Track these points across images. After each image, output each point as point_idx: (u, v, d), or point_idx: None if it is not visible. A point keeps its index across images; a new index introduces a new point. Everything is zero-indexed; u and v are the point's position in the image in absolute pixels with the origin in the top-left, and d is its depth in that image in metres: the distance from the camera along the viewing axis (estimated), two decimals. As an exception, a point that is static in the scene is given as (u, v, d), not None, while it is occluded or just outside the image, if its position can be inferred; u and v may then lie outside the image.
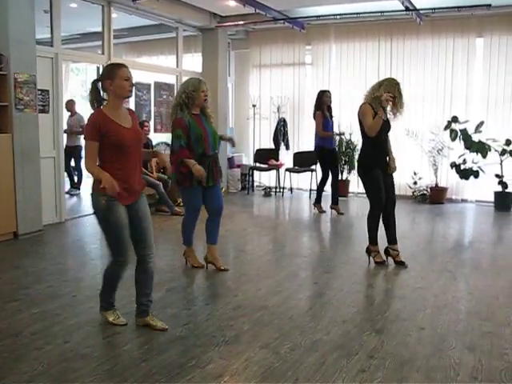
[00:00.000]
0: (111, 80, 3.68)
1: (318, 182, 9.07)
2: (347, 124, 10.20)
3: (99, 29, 8.85)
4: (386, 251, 5.78)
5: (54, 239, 7.05)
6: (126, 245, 3.82)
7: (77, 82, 14.75)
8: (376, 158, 5.70)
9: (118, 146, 3.66)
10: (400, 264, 5.65)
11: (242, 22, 10.48)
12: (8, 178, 6.61)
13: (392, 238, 5.76)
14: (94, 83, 3.80)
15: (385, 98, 5.36)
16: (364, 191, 5.87)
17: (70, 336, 3.78)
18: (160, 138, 10.08)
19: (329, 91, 8.84)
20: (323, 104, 8.59)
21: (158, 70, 10.25)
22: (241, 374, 3.21)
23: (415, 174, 10.04)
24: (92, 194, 3.77)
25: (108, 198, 3.63)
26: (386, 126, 5.64)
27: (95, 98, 3.78)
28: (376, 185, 5.62)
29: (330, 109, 8.75)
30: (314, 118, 8.65)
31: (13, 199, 6.69)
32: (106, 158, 3.68)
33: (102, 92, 3.80)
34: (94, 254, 6.32)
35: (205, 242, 5.60)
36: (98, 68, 8.79)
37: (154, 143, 9.18)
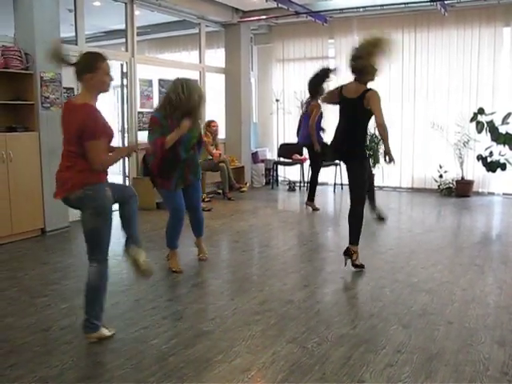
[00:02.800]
0: (92, 73, 3.44)
1: (310, 177, 8.84)
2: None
3: (122, 26, 8.91)
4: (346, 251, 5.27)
5: (80, 235, 7.04)
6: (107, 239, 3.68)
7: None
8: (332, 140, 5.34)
9: (109, 140, 3.59)
10: (355, 266, 5.24)
11: (264, 17, 10.46)
12: (35, 175, 6.70)
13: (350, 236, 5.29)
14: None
15: None
16: (350, 183, 5.23)
17: (99, 331, 3.82)
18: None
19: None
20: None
21: (181, 66, 10.27)
22: (268, 368, 3.22)
23: (441, 167, 9.93)
24: (90, 189, 3.49)
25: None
26: (348, 103, 5.13)
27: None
28: (367, 177, 5.28)
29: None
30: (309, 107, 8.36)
31: (40, 196, 6.78)
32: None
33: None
34: (119, 249, 6.35)
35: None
36: (122, 65, 8.84)
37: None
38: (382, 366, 3.24)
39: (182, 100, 4.82)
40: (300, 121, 9.06)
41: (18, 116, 6.71)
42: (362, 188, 5.13)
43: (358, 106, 4.98)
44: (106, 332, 3.68)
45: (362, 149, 5.26)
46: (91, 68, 3.44)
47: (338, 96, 5.16)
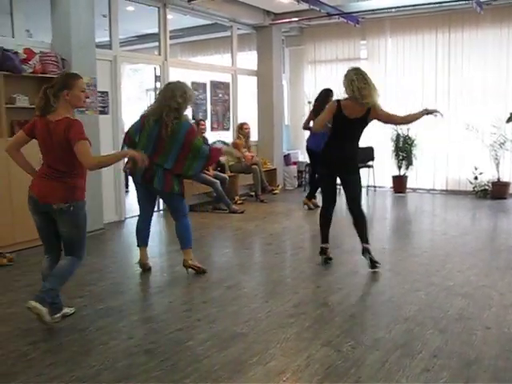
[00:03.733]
0: (68, 90, 3.77)
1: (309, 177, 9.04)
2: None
3: (155, 30, 9.00)
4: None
5: (115, 237, 7.23)
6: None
7: (132, 84, 15.04)
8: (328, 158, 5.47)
9: None
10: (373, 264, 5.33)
11: (296, 19, 10.45)
12: (71, 178, 6.80)
13: (360, 237, 5.49)
14: (47, 90, 3.80)
15: None
16: (357, 191, 5.46)
17: (134, 332, 3.87)
18: (216, 136, 10.18)
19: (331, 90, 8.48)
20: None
21: (213, 69, 10.34)
22: (303, 372, 3.21)
23: (476, 168, 9.77)
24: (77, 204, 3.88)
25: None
26: (352, 124, 5.26)
27: (45, 104, 3.79)
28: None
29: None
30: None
31: (76, 199, 6.87)
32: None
33: (51, 99, 3.78)
34: (153, 251, 6.41)
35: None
36: (155, 69, 8.93)
37: (209, 142, 9.24)
38: (419, 370, 3.20)
39: None
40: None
41: (54, 120, 6.83)
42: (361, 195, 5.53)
43: (363, 125, 5.22)
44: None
45: (357, 160, 5.50)
46: (67, 85, 3.78)
47: (338, 116, 5.15)
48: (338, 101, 5.23)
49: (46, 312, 3.73)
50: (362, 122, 5.21)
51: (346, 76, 5.18)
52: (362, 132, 5.32)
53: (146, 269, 5.35)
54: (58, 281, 3.90)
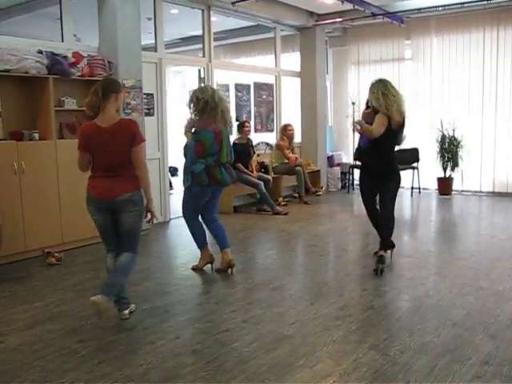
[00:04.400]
0: (117, 93, 4.07)
1: None
2: (450, 120, 9.96)
3: (199, 32, 9.08)
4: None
5: (160, 238, 7.31)
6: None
7: (176, 86, 15.17)
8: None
9: None
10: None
11: (339, 20, 10.37)
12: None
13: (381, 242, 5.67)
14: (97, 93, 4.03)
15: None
16: (394, 195, 5.61)
17: (180, 332, 3.90)
18: (261, 137, 10.21)
19: None
20: None
21: (256, 70, 10.36)
22: (350, 375, 3.18)
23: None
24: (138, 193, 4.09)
25: None
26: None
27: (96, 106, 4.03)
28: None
29: None
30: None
31: (122, 199, 6.99)
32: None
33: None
34: (198, 252, 6.46)
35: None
36: (199, 70, 9.00)
37: (254, 143, 9.27)
38: (469, 377, 3.13)
39: None
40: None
41: (101, 122, 6.96)
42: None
43: (400, 134, 5.50)
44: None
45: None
46: (116, 89, 4.07)
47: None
48: None
49: (112, 306, 3.98)
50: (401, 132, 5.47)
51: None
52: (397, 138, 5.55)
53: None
54: (123, 276, 4.11)
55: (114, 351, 3.57)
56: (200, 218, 5.43)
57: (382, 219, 5.53)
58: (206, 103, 5.04)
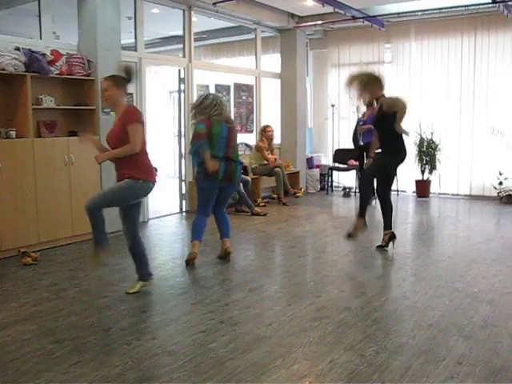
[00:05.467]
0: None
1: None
2: (428, 123, 10.08)
3: (180, 32, 9.06)
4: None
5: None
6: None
7: (156, 86, 15.09)
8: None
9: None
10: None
11: (320, 22, 10.44)
12: (95, 178, 6.88)
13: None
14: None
15: None
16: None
17: (157, 333, 3.89)
18: (240, 138, 10.18)
19: None
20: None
21: (237, 71, 10.37)
22: (326, 376, 3.20)
23: (500, 174, 9.66)
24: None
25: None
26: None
27: None
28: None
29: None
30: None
31: (100, 199, 6.95)
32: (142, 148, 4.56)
33: None
34: (176, 253, 6.46)
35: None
36: (179, 71, 8.97)
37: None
38: (443, 377, 3.17)
39: None
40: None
41: (79, 121, 6.91)
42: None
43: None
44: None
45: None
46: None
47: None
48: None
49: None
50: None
51: None
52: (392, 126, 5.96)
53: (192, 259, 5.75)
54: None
55: (90, 352, 3.54)
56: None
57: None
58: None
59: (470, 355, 3.46)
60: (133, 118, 4.42)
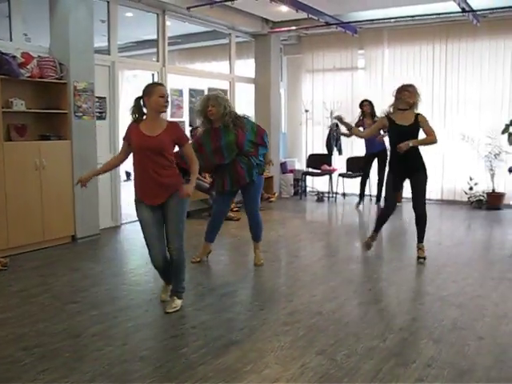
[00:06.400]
0: (148, 96, 4.23)
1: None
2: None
3: (154, 36, 9.02)
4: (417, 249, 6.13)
5: (110, 243, 7.22)
6: (149, 241, 4.39)
7: (131, 90, 15.03)
8: (392, 165, 6.05)
9: (137, 150, 4.28)
10: (418, 259, 6.01)
11: (294, 28, 10.49)
12: (67, 183, 6.81)
13: (418, 237, 6.09)
14: (138, 100, 4.32)
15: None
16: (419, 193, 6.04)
17: (128, 338, 3.87)
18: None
19: (366, 100, 9.78)
20: (364, 113, 9.71)
21: (211, 76, 10.36)
22: (297, 380, 3.21)
23: (471, 179, 9.80)
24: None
25: (135, 199, 4.39)
26: (404, 132, 5.81)
27: (137, 111, 4.33)
28: (386, 188, 6.15)
29: (372, 115, 9.56)
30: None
31: (71, 204, 6.89)
32: (134, 161, 4.36)
33: (143, 107, 4.32)
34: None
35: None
36: (153, 75, 8.94)
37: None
38: (413, 380, 3.21)
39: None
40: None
41: (51, 125, 6.83)
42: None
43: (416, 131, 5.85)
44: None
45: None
46: (147, 92, 4.25)
47: (390, 126, 5.92)
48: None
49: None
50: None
51: None
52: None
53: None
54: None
55: (60, 358, 3.51)
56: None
57: None
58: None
59: (439, 358, 3.51)
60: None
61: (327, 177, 10.91)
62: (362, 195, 10.02)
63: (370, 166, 9.86)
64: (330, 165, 10.88)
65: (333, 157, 11.04)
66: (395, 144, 5.78)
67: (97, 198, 7.31)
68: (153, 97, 4.21)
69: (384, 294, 4.92)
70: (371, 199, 10.47)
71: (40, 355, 3.55)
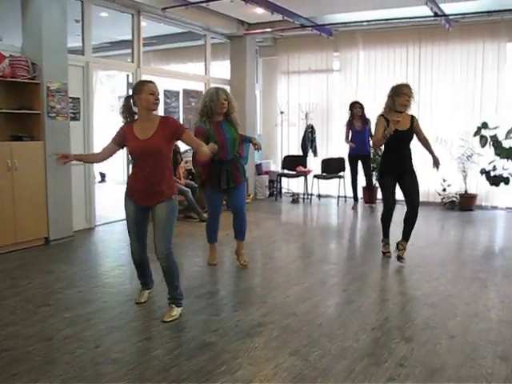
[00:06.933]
0: (138, 94, 4.11)
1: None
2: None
3: (129, 37, 8.97)
4: (397, 245, 6.09)
5: (84, 245, 7.15)
6: (131, 235, 4.38)
7: (106, 90, 14.93)
8: (388, 165, 5.97)
9: (132, 154, 4.23)
10: (398, 259, 5.99)
11: (269, 30, 10.52)
12: (40, 184, 6.74)
13: (404, 235, 6.06)
14: (127, 99, 4.22)
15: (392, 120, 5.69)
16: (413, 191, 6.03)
17: (101, 341, 3.83)
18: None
19: (357, 102, 9.76)
20: (353, 115, 9.69)
21: (186, 77, 10.34)
22: (270, 381, 3.22)
23: (444, 180, 9.93)
24: None
25: (126, 194, 4.33)
26: (401, 137, 5.81)
27: (127, 111, 4.20)
28: (383, 190, 6.06)
29: (362, 118, 9.63)
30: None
31: (45, 205, 6.81)
32: (132, 162, 4.33)
33: (133, 107, 4.23)
34: (123, 260, 6.37)
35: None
36: (128, 76, 8.88)
37: (181, 150, 9.22)
38: (385, 379, 3.23)
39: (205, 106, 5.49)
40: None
41: (23, 125, 6.74)
42: (382, 198, 6.16)
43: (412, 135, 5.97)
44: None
45: (379, 166, 6.20)
46: (136, 90, 4.15)
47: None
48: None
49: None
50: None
51: None
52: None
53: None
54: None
55: (31, 362, 3.46)
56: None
57: None
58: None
59: (411, 357, 3.55)
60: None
61: (302, 178, 10.95)
62: (355, 197, 10.04)
63: (357, 166, 9.87)
64: (305, 166, 10.93)
65: (308, 158, 11.12)
66: (391, 148, 5.83)
67: (70, 199, 7.24)
68: (142, 94, 4.09)
69: (357, 295, 4.95)
70: (346, 200, 10.55)
71: (11, 359, 3.50)
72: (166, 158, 4.20)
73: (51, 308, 4.52)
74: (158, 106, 4.24)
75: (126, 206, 4.32)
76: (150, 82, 4.22)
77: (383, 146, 5.99)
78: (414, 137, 6.08)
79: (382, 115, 5.88)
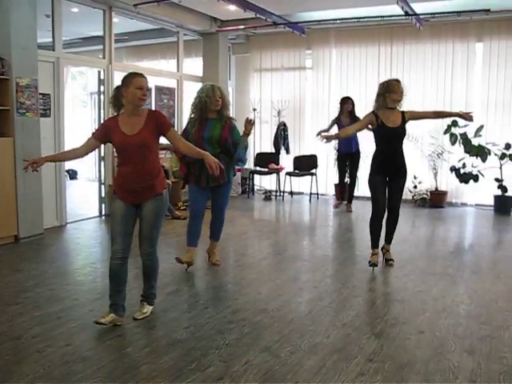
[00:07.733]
0: (126, 87, 3.93)
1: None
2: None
3: (100, 33, 8.88)
4: (381, 250, 5.93)
5: (55, 242, 7.07)
6: (114, 235, 4.08)
7: (77, 87, 14.79)
8: (378, 164, 5.74)
9: (119, 150, 4.06)
10: (387, 262, 5.88)
11: (242, 27, 10.51)
12: (9, 181, 6.64)
13: (386, 239, 5.95)
14: (117, 89, 4.05)
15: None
16: (396, 194, 5.87)
17: (71, 339, 3.80)
18: (161, 142, 10.09)
19: (349, 98, 9.51)
20: (343, 111, 9.47)
21: (158, 74, 10.27)
22: (241, 377, 3.23)
23: (415, 177, 10.03)
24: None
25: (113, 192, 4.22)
26: (392, 134, 5.71)
27: (115, 102, 4.07)
28: (372, 190, 5.78)
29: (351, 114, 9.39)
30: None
31: (14, 203, 6.72)
32: (118, 159, 4.19)
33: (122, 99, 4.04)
34: (94, 257, 6.34)
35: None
36: (99, 72, 8.80)
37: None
38: (354, 375, 3.27)
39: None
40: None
41: (-8, 121, 6.65)
42: (371, 199, 5.83)
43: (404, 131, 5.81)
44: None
45: (370, 166, 5.86)
46: (124, 82, 3.97)
47: (377, 126, 5.68)
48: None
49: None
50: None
51: None
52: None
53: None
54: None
55: (-1, 361, 3.42)
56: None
57: None
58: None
59: (381, 352, 3.60)
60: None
61: (275, 175, 10.99)
62: (342, 197, 9.97)
63: (346, 165, 9.79)
64: (277, 163, 10.97)
65: (280, 155, 11.16)
66: (382, 145, 5.70)
67: (41, 196, 7.15)
68: (130, 88, 3.89)
69: (328, 291, 4.99)
70: (318, 197, 10.61)
71: (-23, 359, 3.47)
72: (155, 153, 4.10)
73: (20, 306, 4.46)
74: (144, 102, 4.01)
75: (112, 205, 4.17)
76: (140, 75, 4.02)
77: (374, 144, 5.82)
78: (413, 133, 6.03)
79: (373, 112, 5.72)
